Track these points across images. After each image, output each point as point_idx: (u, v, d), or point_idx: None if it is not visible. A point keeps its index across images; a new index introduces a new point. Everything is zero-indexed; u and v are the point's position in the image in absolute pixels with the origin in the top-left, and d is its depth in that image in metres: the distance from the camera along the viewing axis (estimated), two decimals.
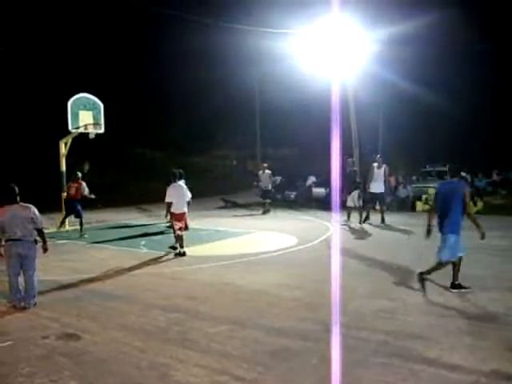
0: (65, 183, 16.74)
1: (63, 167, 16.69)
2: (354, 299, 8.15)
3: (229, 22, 23.82)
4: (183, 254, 12.13)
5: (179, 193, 12.39)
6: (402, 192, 23.13)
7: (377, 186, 18.24)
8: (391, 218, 18.98)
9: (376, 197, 18.48)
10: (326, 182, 22.90)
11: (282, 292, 8.81)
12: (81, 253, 12.84)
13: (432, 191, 23.71)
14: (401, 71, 31.69)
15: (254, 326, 6.99)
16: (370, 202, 18.90)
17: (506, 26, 32.23)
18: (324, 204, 22.04)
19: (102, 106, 16.82)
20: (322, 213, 20.76)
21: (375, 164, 18.49)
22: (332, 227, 16.82)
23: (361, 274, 10.09)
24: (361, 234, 15.56)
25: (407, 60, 32.12)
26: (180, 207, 12.33)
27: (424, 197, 23.13)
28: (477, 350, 5.96)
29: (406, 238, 14.52)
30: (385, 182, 18.44)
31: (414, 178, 28.81)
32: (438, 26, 28.36)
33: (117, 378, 5.47)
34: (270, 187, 23.11)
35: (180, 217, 12.40)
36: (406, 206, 22.69)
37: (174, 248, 12.48)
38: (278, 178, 28.79)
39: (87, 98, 16.64)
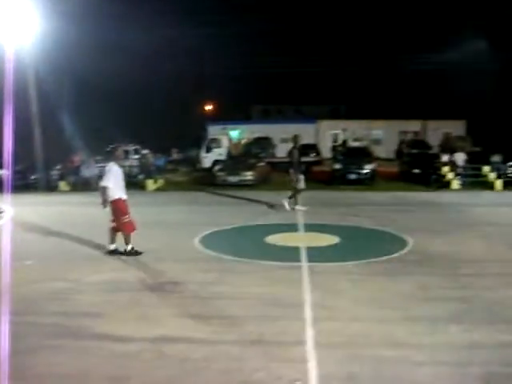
0: None
1: None
2: (25, 284, 7.80)
3: None
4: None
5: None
6: (87, 172, 22.93)
7: None
8: (72, 199, 18.82)
9: None
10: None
11: None
12: None
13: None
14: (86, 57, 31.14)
15: None
16: None
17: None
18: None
19: None
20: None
21: None
22: (9, 210, 15.81)
23: (46, 256, 9.81)
24: (48, 219, 14.74)
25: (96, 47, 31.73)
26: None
27: None
28: (145, 319, 6.31)
29: (93, 217, 14.44)
30: None
31: (100, 157, 28.76)
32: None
33: None
34: None
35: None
36: (92, 185, 22.61)
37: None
38: None
39: None
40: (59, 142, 29.93)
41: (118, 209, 9.72)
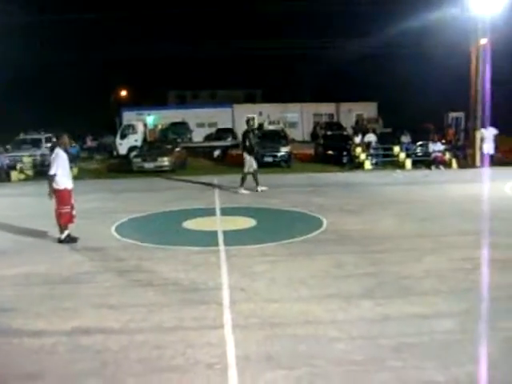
0: None
1: None
2: None
3: None
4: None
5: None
6: None
7: None
8: None
9: None
10: None
11: None
12: None
13: (27, 159, 23.26)
14: None
15: None
16: None
17: None
18: None
19: None
20: None
21: None
22: None
23: None
24: None
25: None
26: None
27: (19, 166, 22.53)
28: (60, 312, 6.15)
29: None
30: None
31: (8, 147, 27.52)
32: None
33: None
34: None
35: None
36: (1, 175, 21.70)
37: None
38: None
39: None
40: None
41: (60, 198, 9.56)
